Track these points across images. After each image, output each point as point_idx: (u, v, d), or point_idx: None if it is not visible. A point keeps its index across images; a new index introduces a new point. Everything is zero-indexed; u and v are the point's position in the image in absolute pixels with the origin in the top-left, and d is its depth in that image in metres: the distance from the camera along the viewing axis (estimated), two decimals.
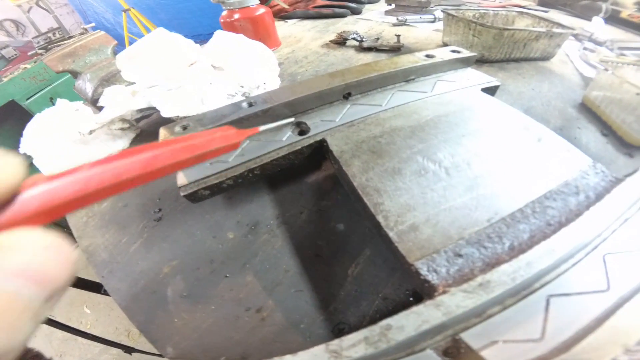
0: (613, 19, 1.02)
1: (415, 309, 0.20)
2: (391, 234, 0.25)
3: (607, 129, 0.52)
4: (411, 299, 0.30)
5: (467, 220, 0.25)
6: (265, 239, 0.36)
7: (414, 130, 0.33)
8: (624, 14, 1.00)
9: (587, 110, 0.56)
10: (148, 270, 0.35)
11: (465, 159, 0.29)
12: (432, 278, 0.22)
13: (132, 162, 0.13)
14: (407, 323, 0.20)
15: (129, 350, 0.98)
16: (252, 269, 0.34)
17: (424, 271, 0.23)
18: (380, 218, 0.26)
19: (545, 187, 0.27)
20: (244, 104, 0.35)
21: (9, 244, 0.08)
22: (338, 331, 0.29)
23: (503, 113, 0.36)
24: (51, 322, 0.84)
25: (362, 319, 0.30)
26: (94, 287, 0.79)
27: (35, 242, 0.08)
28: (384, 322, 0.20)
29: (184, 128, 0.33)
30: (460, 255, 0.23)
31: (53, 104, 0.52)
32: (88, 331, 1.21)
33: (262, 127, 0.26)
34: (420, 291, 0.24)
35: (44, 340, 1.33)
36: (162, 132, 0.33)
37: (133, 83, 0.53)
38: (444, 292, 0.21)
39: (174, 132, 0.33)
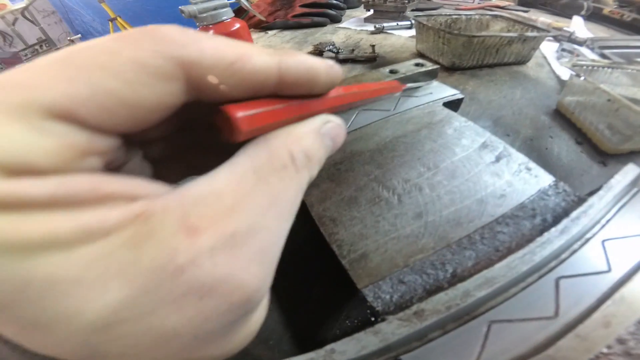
0: (595, 16, 1.02)
1: (356, 335, 0.22)
2: (343, 262, 0.26)
3: (582, 137, 0.51)
4: (372, 318, 0.31)
5: (413, 248, 0.26)
6: None
7: (373, 155, 0.34)
8: (606, 11, 1.00)
9: (562, 117, 0.56)
10: None
11: (417, 184, 0.30)
12: (377, 304, 0.24)
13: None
14: (349, 348, 0.21)
15: None
16: None
17: (370, 297, 0.24)
18: (334, 247, 0.27)
19: (498, 211, 0.28)
20: None
21: (326, 119, 0.14)
22: (303, 348, 0.31)
23: (462, 130, 0.37)
24: None
25: (325, 337, 0.31)
26: None
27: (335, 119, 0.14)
28: (329, 347, 0.21)
29: None
30: (403, 282, 0.24)
31: None
32: None
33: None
34: (370, 315, 0.25)
35: None
36: None
37: None
38: (383, 320, 0.22)
39: None
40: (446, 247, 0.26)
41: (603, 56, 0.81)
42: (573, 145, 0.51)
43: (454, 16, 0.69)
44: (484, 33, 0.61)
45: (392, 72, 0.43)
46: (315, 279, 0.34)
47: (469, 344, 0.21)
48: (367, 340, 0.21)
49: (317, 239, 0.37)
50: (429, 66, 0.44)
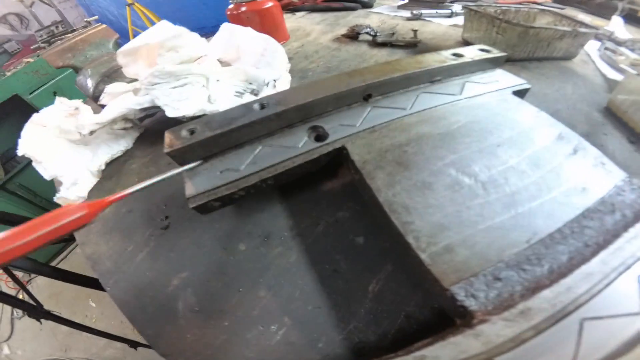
0: (629, 17, 1.00)
1: (452, 339, 0.19)
2: (423, 256, 0.22)
3: (635, 136, 0.48)
4: (436, 317, 0.28)
5: (505, 241, 0.23)
6: (279, 251, 0.34)
7: (444, 139, 0.30)
8: None
9: (612, 115, 0.53)
10: (156, 282, 0.33)
11: (502, 172, 0.27)
12: (470, 304, 0.20)
13: None
14: (444, 354, 0.19)
15: (134, 344, 0.98)
16: (265, 284, 0.32)
17: (460, 296, 0.21)
18: (410, 239, 0.23)
19: (582, 205, 0.25)
20: (256, 106, 0.33)
21: None
22: (358, 350, 0.28)
23: (537, 119, 0.33)
24: (55, 317, 0.83)
25: (384, 338, 0.28)
26: (99, 284, 0.78)
27: None
28: (418, 354, 0.19)
29: (192, 132, 0.31)
30: (499, 279, 0.21)
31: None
32: (93, 325, 1.21)
33: (132, 189, 0.27)
34: (453, 316, 0.22)
35: (49, 334, 1.33)
36: (168, 137, 0.31)
37: (135, 80, 0.50)
38: (484, 320, 0.19)
39: (180, 136, 0.30)
40: (539, 241, 0.23)
41: None
42: (626, 144, 0.47)
43: (504, 7, 0.66)
44: (540, 24, 0.58)
45: (456, 55, 0.39)
46: (371, 274, 0.31)
47: (564, 343, 0.19)
48: (467, 344, 0.18)
49: (373, 229, 0.33)
50: (496, 53, 0.40)
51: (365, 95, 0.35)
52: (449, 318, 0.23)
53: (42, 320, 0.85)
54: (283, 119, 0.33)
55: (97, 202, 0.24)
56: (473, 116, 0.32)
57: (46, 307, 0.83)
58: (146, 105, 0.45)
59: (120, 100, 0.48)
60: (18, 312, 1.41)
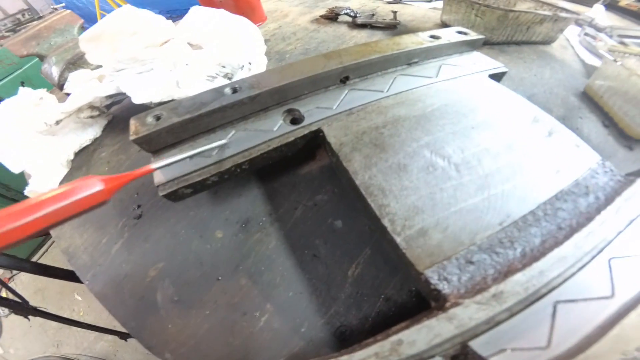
0: (611, 6, 1.02)
1: (427, 322, 0.19)
2: (398, 240, 0.22)
3: (609, 120, 0.50)
4: (414, 299, 0.29)
5: (478, 224, 0.23)
6: (257, 237, 0.33)
7: (419, 120, 0.30)
8: (622, 3, 1.00)
9: (589, 99, 0.54)
10: (133, 274, 0.33)
11: (476, 154, 0.27)
12: (443, 287, 0.21)
13: None
14: (419, 337, 0.19)
15: (123, 336, 0.96)
16: (245, 271, 0.31)
17: (434, 280, 0.21)
18: (386, 222, 0.23)
19: (556, 187, 0.26)
20: (227, 90, 0.31)
21: None
22: (340, 334, 0.28)
23: (512, 102, 0.33)
24: (42, 313, 0.80)
25: (365, 322, 0.28)
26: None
27: None
28: (395, 338, 0.19)
29: (157, 118, 0.29)
30: (471, 262, 0.21)
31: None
32: (81, 318, 1.18)
33: (157, 164, 0.24)
34: (428, 298, 0.23)
35: (39, 330, 1.29)
36: (133, 124, 0.29)
37: (100, 66, 0.46)
38: (457, 304, 0.19)
39: (145, 123, 0.29)
40: (512, 223, 0.23)
41: (622, 44, 0.80)
42: (600, 128, 0.49)
43: None
44: (520, 8, 0.58)
45: (433, 37, 0.38)
46: (351, 258, 0.31)
47: (538, 326, 0.19)
48: (441, 327, 0.19)
49: (352, 212, 0.33)
50: (474, 35, 0.40)
51: (343, 78, 0.34)
52: (426, 300, 0.23)
53: (30, 316, 0.82)
54: (257, 103, 0.31)
55: (116, 177, 0.20)
56: (448, 99, 0.32)
57: (32, 303, 0.80)
58: (112, 92, 0.42)
59: (85, 88, 0.45)
60: (4, 311, 1.35)
